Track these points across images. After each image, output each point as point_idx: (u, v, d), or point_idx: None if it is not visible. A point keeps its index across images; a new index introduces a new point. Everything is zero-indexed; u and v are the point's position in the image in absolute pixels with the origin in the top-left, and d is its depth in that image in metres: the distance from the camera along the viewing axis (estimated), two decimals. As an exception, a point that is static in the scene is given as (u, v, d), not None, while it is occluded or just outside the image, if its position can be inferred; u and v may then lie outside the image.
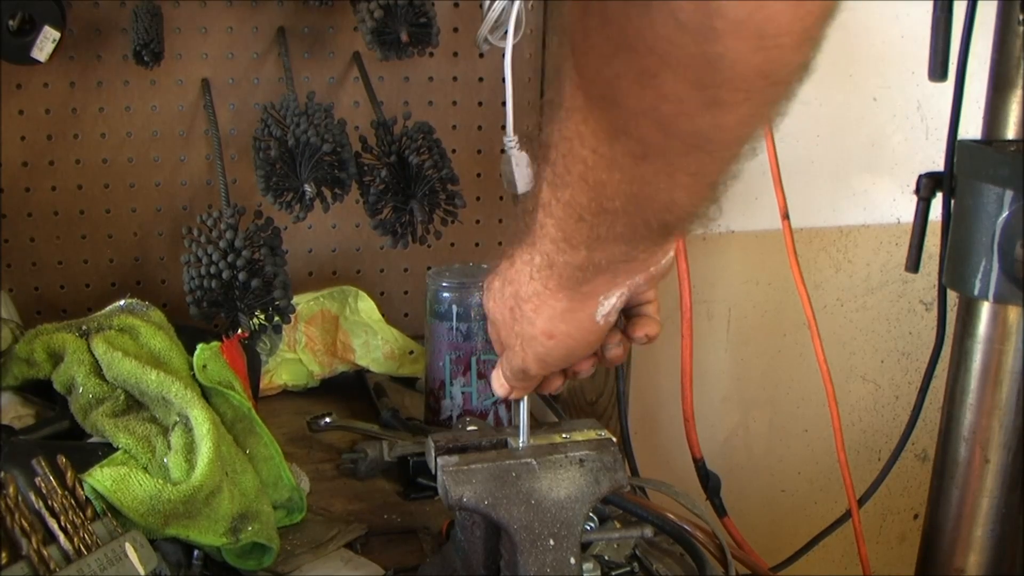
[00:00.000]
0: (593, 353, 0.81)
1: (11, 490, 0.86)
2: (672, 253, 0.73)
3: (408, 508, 1.17)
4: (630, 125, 0.57)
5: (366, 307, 1.51)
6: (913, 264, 1.34)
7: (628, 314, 0.80)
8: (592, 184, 0.61)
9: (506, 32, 1.38)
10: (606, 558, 1.03)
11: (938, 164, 1.29)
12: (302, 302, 1.45)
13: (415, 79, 1.55)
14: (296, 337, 1.46)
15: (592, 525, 1.03)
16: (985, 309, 1.21)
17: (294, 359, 1.46)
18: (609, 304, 0.72)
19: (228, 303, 1.20)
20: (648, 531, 1.02)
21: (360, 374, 1.50)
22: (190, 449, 0.98)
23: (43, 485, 0.88)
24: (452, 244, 1.60)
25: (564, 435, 0.93)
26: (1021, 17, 1.19)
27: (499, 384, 0.85)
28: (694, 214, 0.65)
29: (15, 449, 0.94)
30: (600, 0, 0.53)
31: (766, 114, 0.57)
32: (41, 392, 1.15)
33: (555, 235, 0.67)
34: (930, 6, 1.25)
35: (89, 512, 0.90)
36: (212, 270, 1.19)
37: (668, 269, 0.74)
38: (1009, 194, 1.13)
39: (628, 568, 1.03)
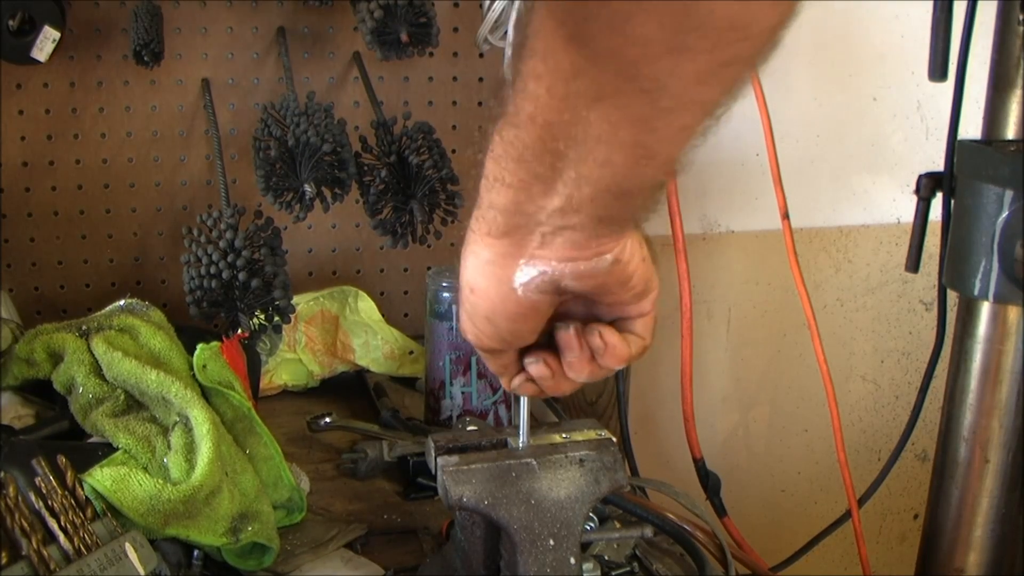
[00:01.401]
0: (548, 351, 0.77)
1: (11, 490, 0.86)
2: (609, 258, 0.69)
3: (408, 508, 1.17)
4: (590, 66, 0.58)
5: (366, 307, 1.51)
6: (913, 264, 1.34)
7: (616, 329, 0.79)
8: (540, 124, 0.62)
9: (506, 32, 1.38)
10: (606, 558, 1.03)
11: (938, 164, 1.29)
12: (302, 302, 1.45)
13: (415, 79, 1.55)
14: (296, 337, 1.46)
15: (592, 525, 1.03)
16: (985, 309, 1.21)
17: (294, 359, 1.46)
18: (529, 273, 0.70)
19: (228, 303, 1.20)
20: (648, 531, 1.02)
21: (360, 374, 1.50)
22: (190, 449, 0.98)
23: (43, 485, 0.88)
24: (452, 244, 1.58)
25: (564, 435, 0.93)
26: (1021, 17, 1.19)
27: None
28: (631, 191, 0.64)
29: (15, 449, 0.94)
30: None
31: (723, 78, 0.58)
32: (41, 392, 1.15)
33: (489, 173, 0.68)
34: (930, 6, 1.25)
35: (89, 512, 0.90)
36: (212, 270, 1.19)
37: (603, 274, 0.70)
38: (1009, 194, 1.13)
39: (628, 568, 1.03)
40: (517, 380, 0.80)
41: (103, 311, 1.20)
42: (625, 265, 0.71)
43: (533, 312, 0.73)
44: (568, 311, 0.77)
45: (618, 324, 0.78)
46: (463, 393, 1.31)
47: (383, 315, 1.52)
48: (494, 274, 0.71)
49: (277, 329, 1.23)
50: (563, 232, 0.68)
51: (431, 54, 1.43)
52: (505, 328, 0.75)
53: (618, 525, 1.07)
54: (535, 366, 0.78)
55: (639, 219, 0.70)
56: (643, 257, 0.73)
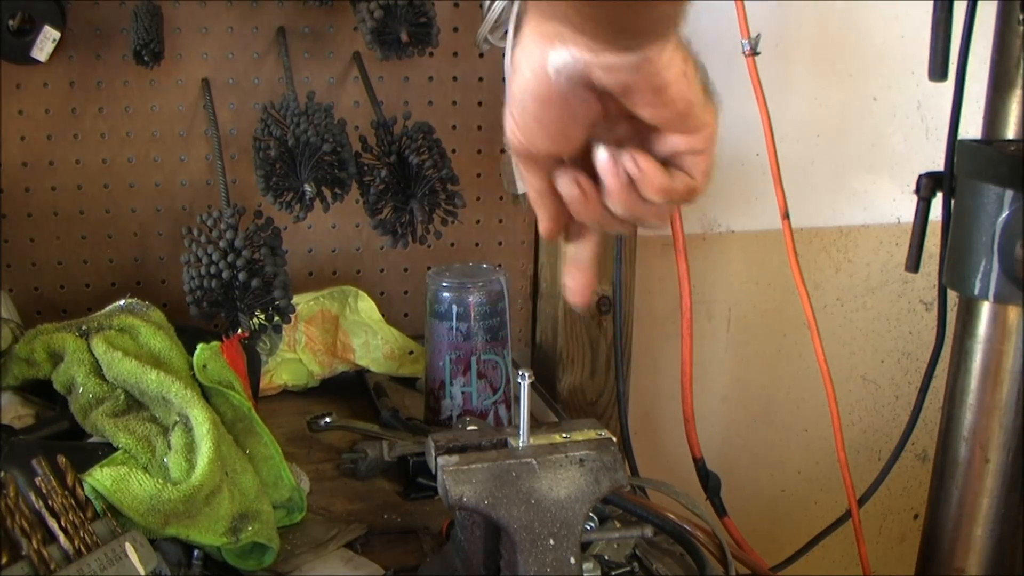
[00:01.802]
0: (583, 172, 0.76)
1: (11, 490, 0.86)
2: (640, 54, 0.70)
3: (408, 508, 1.17)
4: None
5: (366, 307, 1.51)
6: (913, 264, 1.34)
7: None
8: None
9: (506, 32, 1.38)
10: (606, 558, 1.03)
11: (938, 164, 1.29)
12: (302, 302, 1.45)
13: (415, 79, 1.55)
14: (296, 337, 1.46)
15: (592, 525, 1.03)
16: (985, 309, 1.21)
17: (294, 359, 1.46)
18: (561, 56, 0.71)
19: (228, 303, 1.20)
20: (648, 531, 1.02)
21: (360, 374, 1.50)
22: (190, 449, 0.98)
23: (43, 485, 0.88)
24: (452, 244, 1.60)
25: (564, 435, 0.93)
26: (1021, 17, 1.19)
27: None
28: (644, 13, 0.67)
29: (15, 449, 0.94)
30: None
31: None
32: (41, 392, 1.15)
33: None
34: (930, 6, 1.25)
35: (89, 512, 0.90)
36: (212, 270, 1.19)
37: (632, 70, 0.70)
38: (1009, 194, 1.13)
39: (628, 568, 1.03)
40: (564, 183, 0.77)
41: (103, 311, 1.20)
42: (658, 71, 0.71)
43: (562, 102, 0.73)
44: (617, 140, 0.76)
45: (670, 160, 0.76)
46: (463, 393, 1.31)
47: (383, 315, 1.52)
48: (532, 54, 0.73)
49: (277, 329, 1.23)
50: (589, 24, 0.69)
51: (431, 54, 1.43)
52: (533, 112, 0.74)
53: (618, 525, 1.07)
54: (565, 184, 0.77)
55: (670, 27, 0.70)
56: (684, 72, 0.72)
